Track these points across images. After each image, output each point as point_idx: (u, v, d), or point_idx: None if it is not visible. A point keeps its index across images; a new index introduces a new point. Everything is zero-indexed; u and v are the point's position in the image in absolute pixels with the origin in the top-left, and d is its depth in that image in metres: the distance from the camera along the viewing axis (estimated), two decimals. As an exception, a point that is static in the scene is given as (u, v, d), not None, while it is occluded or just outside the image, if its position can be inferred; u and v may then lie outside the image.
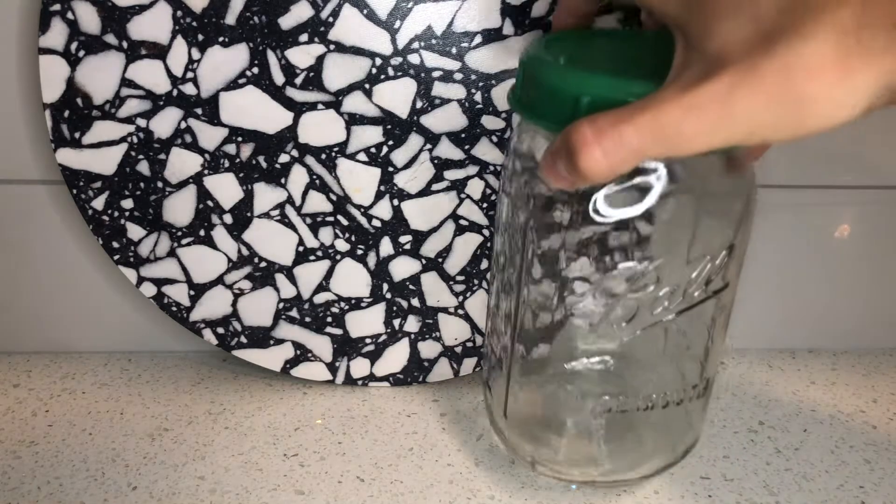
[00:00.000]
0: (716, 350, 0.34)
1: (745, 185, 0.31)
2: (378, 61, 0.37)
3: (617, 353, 0.36)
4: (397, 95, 0.38)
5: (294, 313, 0.43)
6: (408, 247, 0.41)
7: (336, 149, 0.39)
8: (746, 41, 0.22)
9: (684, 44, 0.25)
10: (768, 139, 0.24)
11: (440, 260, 0.42)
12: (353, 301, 0.42)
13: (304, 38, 0.37)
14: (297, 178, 0.40)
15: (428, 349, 0.44)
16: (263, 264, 0.41)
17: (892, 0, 0.21)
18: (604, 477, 0.35)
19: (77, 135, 0.38)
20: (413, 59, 0.37)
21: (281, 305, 0.42)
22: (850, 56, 0.21)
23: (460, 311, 0.43)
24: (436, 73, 0.38)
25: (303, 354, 0.44)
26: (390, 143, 0.39)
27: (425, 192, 0.40)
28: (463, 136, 0.39)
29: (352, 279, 0.42)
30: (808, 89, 0.22)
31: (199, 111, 0.38)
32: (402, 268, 0.42)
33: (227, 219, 0.40)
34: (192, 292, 0.42)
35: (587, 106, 0.26)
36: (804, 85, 0.22)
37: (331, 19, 0.37)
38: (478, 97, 0.38)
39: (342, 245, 0.41)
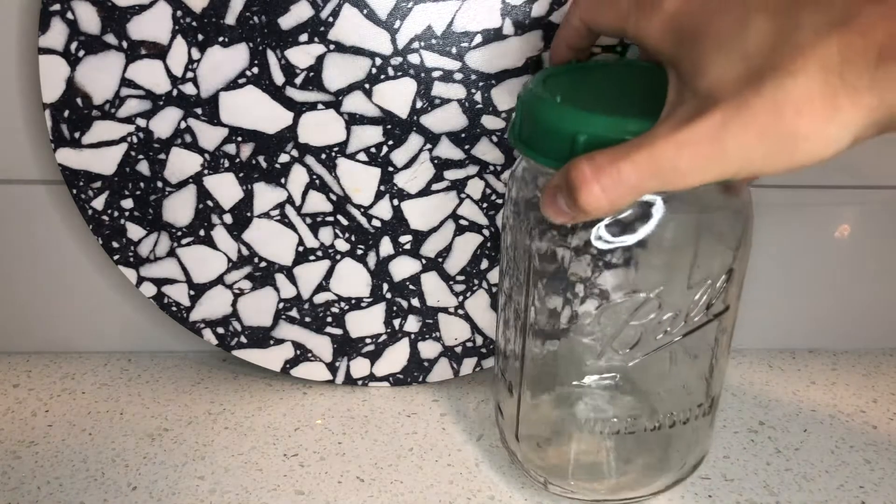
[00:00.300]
0: (720, 369, 0.35)
1: (742, 205, 0.32)
2: (378, 61, 0.37)
3: (623, 375, 0.37)
4: (397, 95, 0.38)
5: (294, 313, 0.43)
6: (408, 247, 0.41)
7: (336, 149, 0.39)
8: (737, 78, 0.23)
9: (677, 80, 0.25)
10: (759, 173, 0.24)
11: (440, 260, 0.42)
12: (353, 301, 0.42)
13: (304, 37, 0.37)
14: (297, 178, 0.40)
15: (428, 349, 0.44)
16: (263, 264, 0.41)
17: (871, 32, 0.21)
18: (614, 495, 0.36)
19: (77, 135, 0.38)
20: (413, 58, 0.37)
21: (281, 305, 0.42)
22: (836, 94, 0.22)
23: (460, 311, 0.43)
24: (436, 73, 0.38)
25: (303, 354, 0.44)
26: (390, 143, 0.39)
27: (425, 192, 0.40)
28: (463, 135, 0.39)
29: (352, 279, 0.42)
30: (797, 125, 0.22)
31: (198, 111, 0.38)
32: (402, 268, 0.42)
33: (227, 219, 0.40)
34: (192, 292, 0.42)
35: (584, 144, 0.26)
36: (793, 121, 0.22)
37: (331, 19, 0.37)
38: (478, 97, 0.38)
39: (342, 245, 0.41)
